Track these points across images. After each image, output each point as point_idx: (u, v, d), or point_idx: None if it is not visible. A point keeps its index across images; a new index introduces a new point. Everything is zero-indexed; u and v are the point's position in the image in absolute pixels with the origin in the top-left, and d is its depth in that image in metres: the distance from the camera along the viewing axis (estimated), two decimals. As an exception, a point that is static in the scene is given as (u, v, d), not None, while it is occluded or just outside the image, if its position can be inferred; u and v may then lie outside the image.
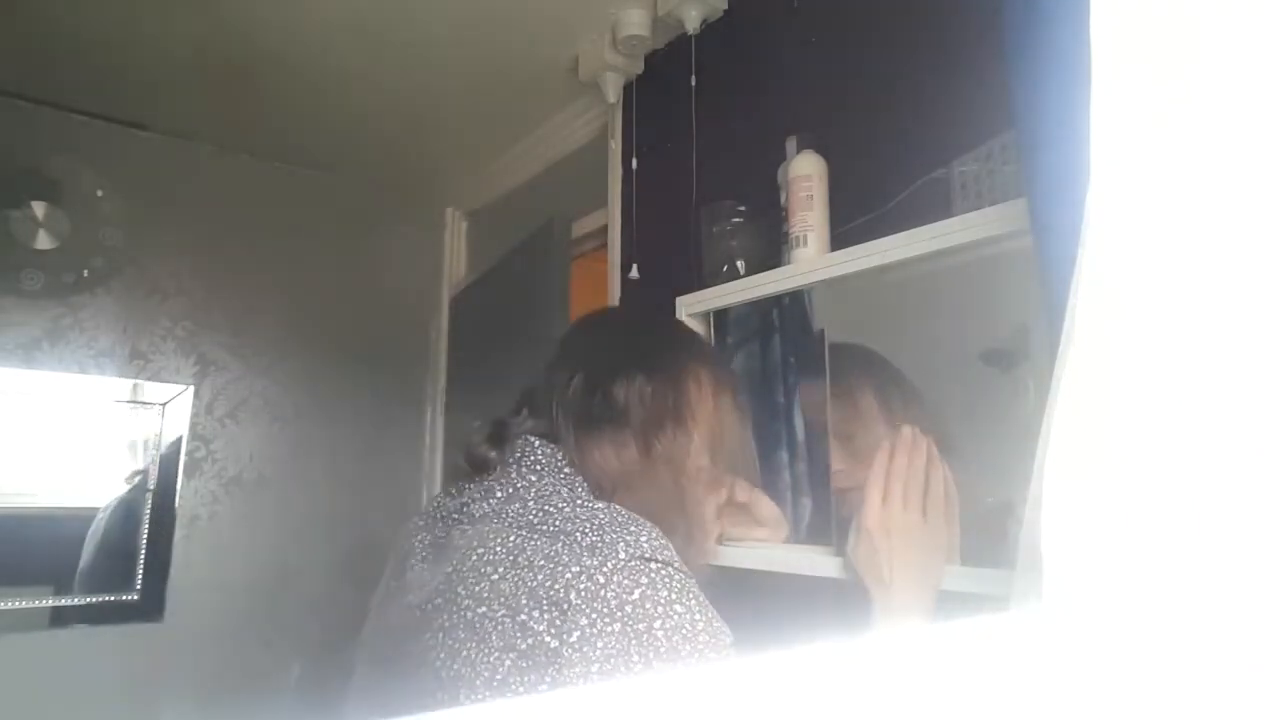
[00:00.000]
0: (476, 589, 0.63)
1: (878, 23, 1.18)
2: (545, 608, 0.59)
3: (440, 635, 0.64)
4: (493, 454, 0.75)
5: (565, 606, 0.58)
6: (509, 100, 1.95)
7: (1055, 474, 0.40)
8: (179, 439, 2.04)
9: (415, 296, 2.51)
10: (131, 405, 1.99)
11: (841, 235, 1.03)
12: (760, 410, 1.06)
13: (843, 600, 0.81)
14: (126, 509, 1.96)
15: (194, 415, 2.07)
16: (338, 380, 2.29)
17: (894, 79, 1.14)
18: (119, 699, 1.86)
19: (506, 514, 0.69)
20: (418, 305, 2.51)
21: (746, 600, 0.79)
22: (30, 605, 1.81)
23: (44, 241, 1.89)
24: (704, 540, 0.84)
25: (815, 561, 0.88)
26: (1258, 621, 0.32)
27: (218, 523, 2.07)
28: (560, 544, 0.63)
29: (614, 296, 1.68)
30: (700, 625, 0.59)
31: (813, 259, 0.99)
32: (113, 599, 1.91)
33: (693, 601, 0.60)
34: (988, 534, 0.75)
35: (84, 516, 1.92)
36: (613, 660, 0.56)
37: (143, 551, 1.95)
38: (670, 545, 0.64)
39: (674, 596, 0.59)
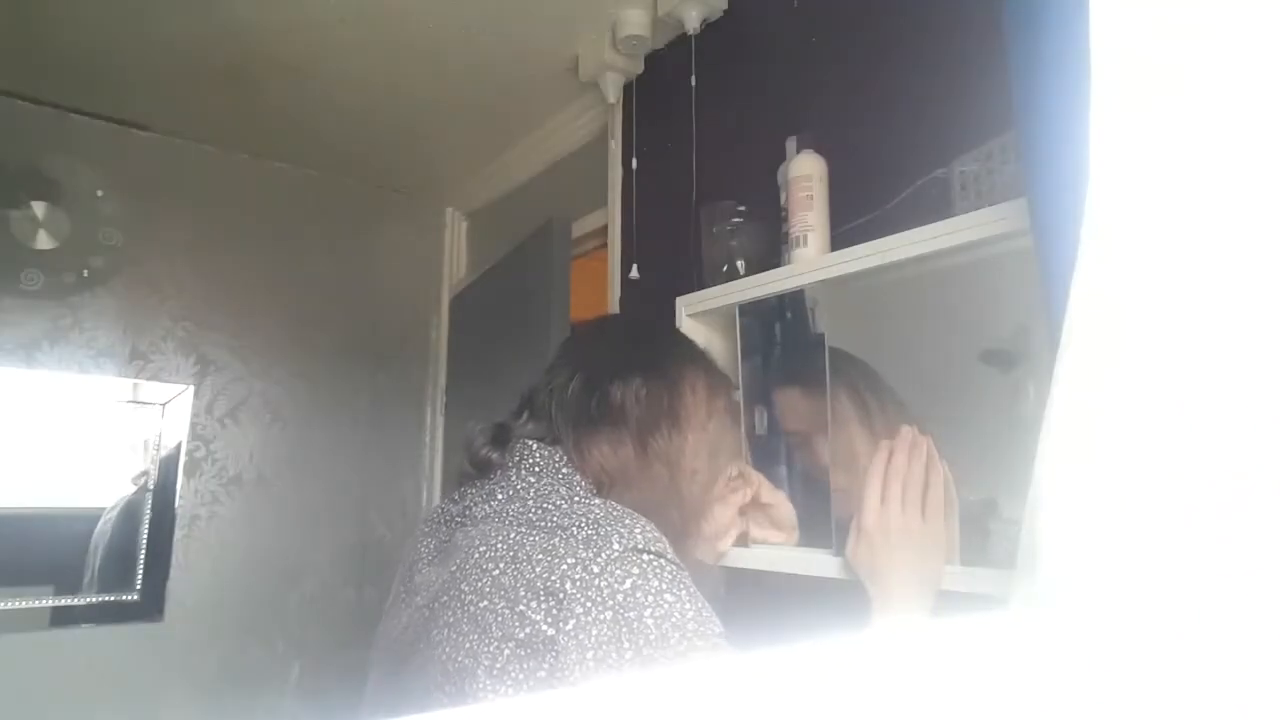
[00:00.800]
0: (479, 584, 0.65)
1: (878, 23, 1.18)
2: (542, 598, 0.60)
3: (446, 630, 0.65)
4: (495, 456, 0.77)
5: (561, 596, 0.60)
6: (509, 100, 1.95)
7: (1054, 474, 0.40)
8: (179, 439, 2.04)
9: (415, 297, 2.51)
10: (132, 405, 1.99)
11: (841, 235, 1.03)
12: (760, 411, 1.05)
13: (846, 601, 0.81)
14: (127, 509, 1.96)
15: (194, 415, 2.07)
16: (338, 380, 2.30)
17: (894, 79, 1.14)
18: (119, 699, 1.86)
19: (507, 514, 0.71)
20: (417, 305, 2.51)
21: (763, 601, 0.80)
22: (31, 605, 1.81)
23: (44, 241, 1.89)
24: (699, 535, 0.86)
25: (814, 562, 0.88)
26: (1257, 621, 0.32)
27: (218, 523, 2.07)
28: (557, 538, 0.64)
29: (614, 296, 1.67)
30: (690, 614, 0.60)
31: (813, 259, 0.99)
32: (113, 599, 1.91)
33: (683, 592, 0.62)
34: (987, 534, 0.75)
35: (84, 516, 1.92)
36: (605, 647, 0.58)
37: (143, 551, 1.95)
38: (664, 539, 0.66)
39: (664, 586, 0.61)
